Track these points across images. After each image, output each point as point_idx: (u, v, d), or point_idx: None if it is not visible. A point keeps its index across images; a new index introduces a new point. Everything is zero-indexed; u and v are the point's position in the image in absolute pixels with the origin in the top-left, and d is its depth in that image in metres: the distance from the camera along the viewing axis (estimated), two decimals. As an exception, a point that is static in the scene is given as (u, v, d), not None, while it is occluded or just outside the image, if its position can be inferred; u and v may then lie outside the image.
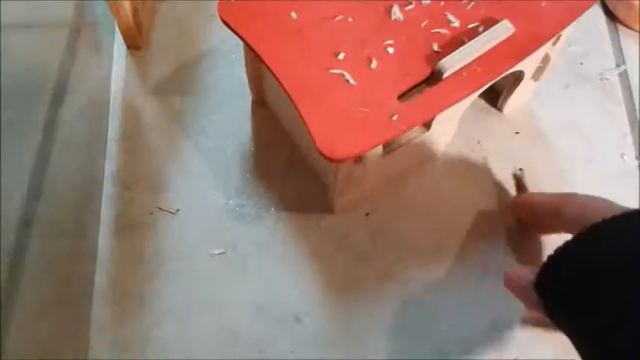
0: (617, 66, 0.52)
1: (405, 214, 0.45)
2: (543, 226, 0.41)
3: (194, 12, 0.52)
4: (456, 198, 0.45)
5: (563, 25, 0.37)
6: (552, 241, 0.38)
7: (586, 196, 0.34)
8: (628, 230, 0.29)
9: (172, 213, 0.44)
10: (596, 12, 0.54)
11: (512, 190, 0.45)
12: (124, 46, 0.50)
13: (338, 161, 0.35)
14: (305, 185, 0.46)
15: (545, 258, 0.31)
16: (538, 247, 0.43)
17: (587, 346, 0.28)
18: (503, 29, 0.36)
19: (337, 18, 0.38)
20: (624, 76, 0.51)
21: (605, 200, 0.33)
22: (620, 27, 0.54)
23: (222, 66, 0.50)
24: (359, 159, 0.39)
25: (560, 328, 0.31)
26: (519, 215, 0.43)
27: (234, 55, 0.50)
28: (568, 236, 0.31)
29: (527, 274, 0.33)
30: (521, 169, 0.45)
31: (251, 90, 0.47)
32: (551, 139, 0.48)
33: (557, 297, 0.30)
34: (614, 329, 0.27)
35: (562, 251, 0.30)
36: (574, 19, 0.38)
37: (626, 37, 0.53)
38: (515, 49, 0.36)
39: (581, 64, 0.52)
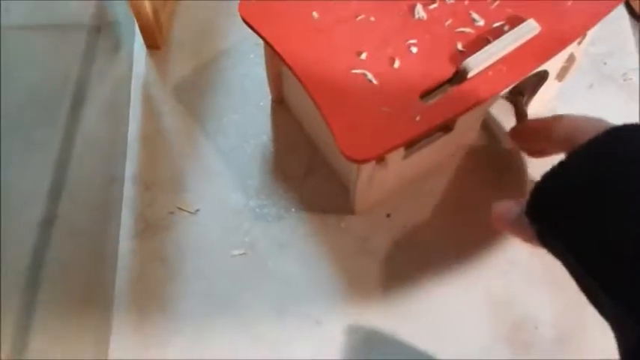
0: (642, 66, 0.51)
1: (427, 214, 0.44)
2: (541, 151, 0.40)
3: (213, 12, 0.52)
4: (478, 198, 0.45)
5: (590, 25, 0.37)
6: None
7: (575, 116, 0.34)
8: (619, 144, 0.28)
9: (192, 213, 0.44)
10: (619, 11, 0.54)
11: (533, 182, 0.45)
12: (144, 46, 0.50)
13: (360, 162, 0.35)
14: (325, 186, 0.45)
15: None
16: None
17: (583, 268, 0.28)
18: (529, 28, 0.35)
19: (359, 17, 0.38)
20: (648, 76, 0.50)
21: (594, 119, 0.32)
22: (644, 26, 0.53)
23: (241, 66, 0.50)
24: (381, 160, 0.38)
25: (554, 254, 0.30)
26: (517, 144, 0.42)
27: (252, 55, 0.50)
28: None
29: (514, 206, 0.33)
30: (522, 95, 0.44)
31: (271, 90, 0.47)
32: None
33: (550, 219, 0.29)
34: (613, 245, 0.26)
35: (552, 172, 0.30)
36: (600, 18, 0.37)
37: (651, 36, 0.52)
38: (541, 48, 0.36)
39: (605, 63, 0.51)
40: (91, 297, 0.43)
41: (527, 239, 0.32)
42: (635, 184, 0.27)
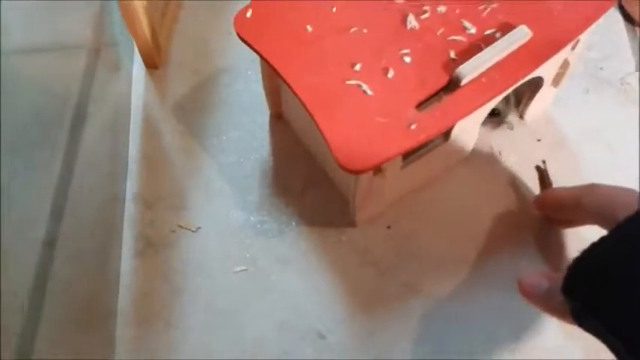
0: (638, 70, 0.51)
1: (427, 225, 0.44)
2: (569, 221, 0.40)
3: (210, 30, 0.53)
4: (478, 208, 0.45)
5: (581, 29, 0.37)
6: (580, 239, 0.37)
7: (606, 186, 0.34)
8: None
9: (193, 231, 0.44)
10: (615, 16, 0.54)
11: (537, 189, 0.45)
12: (143, 66, 0.51)
13: (357, 173, 0.35)
14: (326, 199, 0.45)
15: (570, 257, 0.30)
16: (564, 247, 0.42)
17: (630, 352, 0.27)
18: (521, 34, 0.36)
19: (352, 29, 0.38)
20: (646, 80, 0.50)
21: (625, 189, 0.32)
22: (640, 30, 0.53)
23: (239, 82, 0.50)
24: (378, 170, 0.38)
25: (591, 332, 0.30)
26: (544, 211, 0.42)
27: (250, 72, 0.50)
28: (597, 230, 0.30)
29: (542, 280, 0.32)
30: (544, 162, 0.44)
31: (269, 105, 0.47)
32: (573, 146, 0.47)
33: (589, 298, 0.29)
34: None
35: (592, 249, 0.29)
36: (591, 22, 0.37)
37: (647, 40, 0.53)
38: (534, 54, 0.36)
39: (602, 69, 0.51)
40: (94, 316, 0.42)
41: (559, 315, 0.32)
42: None
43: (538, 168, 0.44)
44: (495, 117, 0.46)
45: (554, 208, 0.40)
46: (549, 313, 0.33)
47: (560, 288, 0.30)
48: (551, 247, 0.42)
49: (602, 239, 0.29)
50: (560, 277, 0.31)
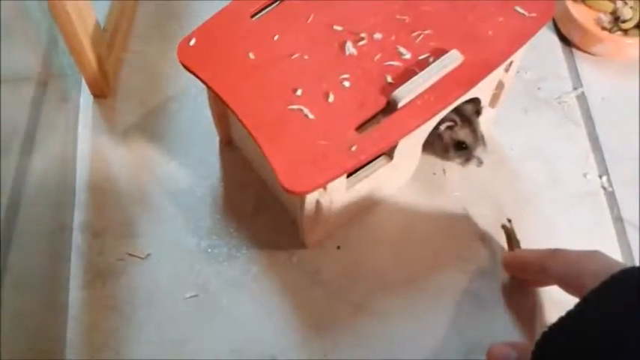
0: (575, 89, 0.53)
1: (376, 245, 0.45)
2: (536, 281, 0.41)
3: (160, 59, 0.54)
4: (425, 226, 0.46)
5: (511, 52, 0.39)
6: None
7: (569, 253, 0.35)
8: (616, 299, 0.29)
9: (142, 258, 0.44)
10: (550, 38, 0.56)
11: (483, 210, 0.46)
12: (91, 96, 0.51)
13: (300, 194, 0.36)
14: (276, 222, 0.46)
15: (539, 320, 0.31)
16: (532, 306, 0.42)
17: None
18: (453, 58, 0.37)
19: (294, 56, 0.39)
20: (582, 98, 0.53)
21: (589, 255, 0.33)
22: (575, 51, 0.56)
23: (189, 109, 0.51)
24: (324, 191, 0.39)
25: None
26: (510, 272, 0.43)
27: (200, 98, 0.51)
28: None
29: (511, 351, 0.33)
30: (510, 221, 0.45)
31: (218, 131, 0.48)
32: (514, 164, 0.49)
33: None
34: None
35: (560, 324, 0.30)
36: (521, 45, 0.39)
37: (582, 60, 0.55)
38: (466, 77, 0.37)
39: (539, 89, 0.53)
40: (43, 348, 0.42)
41: None
42: None
43: (504, 227, 0.45)
44: (464, 151, 0.44)
45: (521, 270, 0.41)
46: None
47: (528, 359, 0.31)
48: (519, 303, 0.43)
49: (570, 314, 0.30)
50: (527, 348, 0.31)
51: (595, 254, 0.33)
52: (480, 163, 0.45)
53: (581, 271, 0.32)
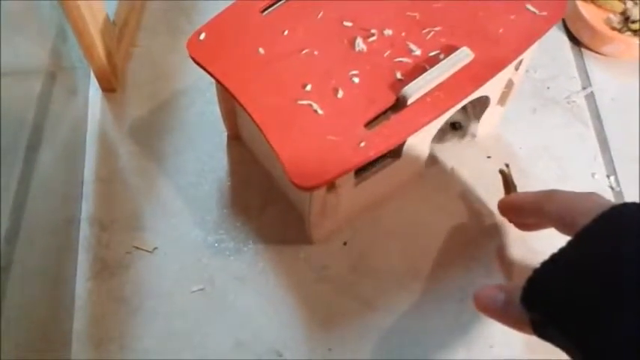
0: (584, 88, 0.53)
1: (383, 241, 0.45)
2: (531, 224, 0.40)
3: (169, 53, 0.54)
4: (432, 223, 0.46)
5: (521, 50, 0.39)
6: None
7: (565, 192, 0.34)
8: (622, 225, 0.29)
9: (149, 252, 0.44)
10: (560, 37, 0.56)
11: (489, 203, 0.46)
12: (100, 90, 0.51)
13: (309, 189, 0.36)
14: (283, 217, 0.46)
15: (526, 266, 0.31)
16: (520, 257, 0.43)
17: (584, 358, 0.27)
18: (463, 55, 0.37)
19: (304, 52, 0.39)
20: (591, 98, 0.53)
21: (584, 195, 0.33)
22: (585, 50, 0.55)
23: (197, 104, 0.51)
24: (332, 187, 0.39)
25: (549, 341, 0.30)
26: (506, 216, 0.42)
27: (208, 93, 0.51)
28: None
29: (498, 292, 0.32)
30: (507, 165, 0.45)
31: (225, 126, 0.48)
32: (522, 162, 0.49)
33: (547, 309, 0.29)
34: (612, 338, 0.26)
35: (552, 260, 0.30)
36: (531, 43, 0.39)
37: (591, 60, 0.55)
38: (476, 74, 0.37)
39: (548, 88, 0.53)
40: (50, 340, 0.42)
41: (517, 326, 0.32)
42: None
43: (502, 172, 0.45)
44: (457, 130, 0.47)
45: (517, 213, 0.41)
46: (507, 325, 0.33)
47: (518, 299, 0.30)
48: (507, 257, 0.43)
49: (561, 250, 0.30)
50: (516, 287, 0.30)
51: (591, 195, 0.33)
52: (473, 136, 0.48)
53: (575, 210, 0.31)
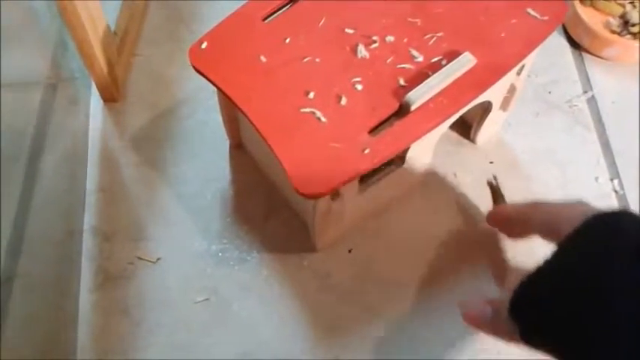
0: (585, 92, 0.53)
1: (387, 248, 0.45)
2: (519, 234, 0.40)
3: (169, 62, 0.54)
4: (436, 230, 0.45)
5: (523, 55, 0.39)
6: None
7: (550, 203, 0.35)
8: (596, 240, 0.29)
9: (153, 262, 0.44)
10: (561, 42, 0.56)
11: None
12: (101, 100, 0.51)
13: (314, 197, 0.36)
14: (286, 225, 0.46)
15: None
16: (512, 263, 0.43)
17: None
18: (465, 61, 0.37)
19: (305, 59, 0.39)
20: (592, 102, 0.53)
21: (568, 204, 0.33)
22: (585, 55, 0.55)
23: (198, 113, 0.51)
24: (336, 195, 0.39)
25: (538, 349, 0.30)
26: (495, 226, 0.42)
27: (210, 102, 0.51)
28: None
29: (486, 307, 0.33)
30: (495, 177, 0.45)
31: (228, 135, 0.48)
32: (525, 167, 0.49)
33: (536, 319, 0.29)
34: (602, 345, 0.26)
35: (538, 270, 0.30)
36: (533, 48, 0.39)
37: (591, 63, 0.55)
38: (479, 80, 0.37)
39: (550, 92, 0.53)
40: (54, 352, 0.41)
41: (505, 337, 0.32)
42: (631, 278, 0.26)
43: (490, 184, 0.45)
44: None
45: (505, 224, 0.41)
46: (495, 337, 0.33)
47: (506, 311, 0.30)
48: (499, 264, 0.43)
49: (546, 261, 0.30)
50: (503, 300, 0.31)
51: (575, 204, 0.33)
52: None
53: (559, 218, 0.31)
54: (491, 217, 0.42)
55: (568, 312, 0.28)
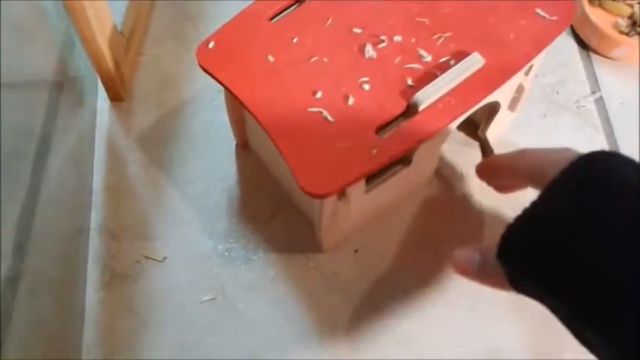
0: (593, 93, 0.53)
1: (394, 249, 0.45)
2: (508, 186, 0.40)
3: (176, 61, 0.53)
4: (443, 230, 0.45)
5: (532, 55, 0.38)
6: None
7: (537, 149, 0.34)
8: (582, 180, 0.28)
9: (159, 261, 0.44)
10: (568, 43, 0.56)
11: (500, 208, 0.45)
12: (107, 99, 0.51)
13: (320, 197, 0.36)
14: (293, 225, 0.46)
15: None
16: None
17: (571, 311, 0.27)
18: (474, 61, 0.37)
19: (313, 59, 0.39)
20: (600, 102, 0.52)
21: (555, 149, 0.32)
22: (593, 55, 0.55)
23: (205, 113, 0.51)
24: (343, 195, 0.39)
25: (527, 295, 0.29)
26: (484, 178, 0.41)
27: (215, 102, 0.51)
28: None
29: (474, 253, 0.32)
30: (483, 131, 0.45)
31: (234, 134, 0.48)
32: (533, 167, 0.48)
33: (523, 262, 0.29)
34: (591, 284, 0.26)
35: (524, 213, 0.29)
36: (542, 48, 0.39)
37: (599, 64, 0.55)
38: (487, 80, 0.37)
39: (557, 93, 0.53)
40: (60, 351, 0.41)
41: (496, 284, 0.31)
42: (620, 216, 0.26)
43: (479, 137, 0.45)
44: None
45: (493, 175, 0.40)
46: (485, 284, 0.33)
47: (494, 256, 0.30)
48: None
49: (533, 203, 0.29)
50: (492, 246, 0.30)
51: (562, 149, 0.32)
52: None
53: (546, 163, 0.31)
54: (481, 169, 0.41)
55: (555, 254, 0.27)
